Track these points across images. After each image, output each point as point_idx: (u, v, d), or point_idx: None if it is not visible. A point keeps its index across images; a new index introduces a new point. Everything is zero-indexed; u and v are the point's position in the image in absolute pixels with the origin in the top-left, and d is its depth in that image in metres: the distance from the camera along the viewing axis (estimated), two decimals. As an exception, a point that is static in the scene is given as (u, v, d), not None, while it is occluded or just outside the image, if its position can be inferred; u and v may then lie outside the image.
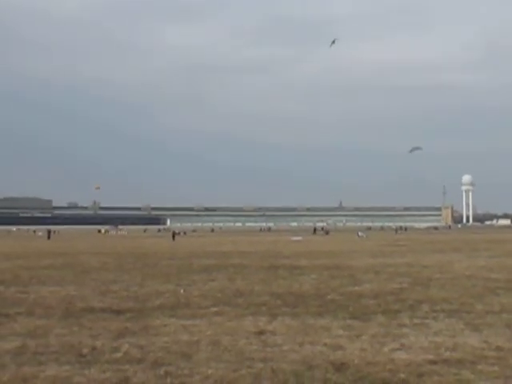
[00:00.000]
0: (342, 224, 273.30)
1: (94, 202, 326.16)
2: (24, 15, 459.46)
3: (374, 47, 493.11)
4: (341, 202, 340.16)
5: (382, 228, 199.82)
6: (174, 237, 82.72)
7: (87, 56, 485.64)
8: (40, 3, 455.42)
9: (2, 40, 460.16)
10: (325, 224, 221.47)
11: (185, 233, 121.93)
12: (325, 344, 11.34)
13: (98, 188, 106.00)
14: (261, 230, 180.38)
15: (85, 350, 10.86)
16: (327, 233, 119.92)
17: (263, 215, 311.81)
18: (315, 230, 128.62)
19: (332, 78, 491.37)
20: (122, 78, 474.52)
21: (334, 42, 46.14)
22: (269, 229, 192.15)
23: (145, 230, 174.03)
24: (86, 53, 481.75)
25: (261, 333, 12.42)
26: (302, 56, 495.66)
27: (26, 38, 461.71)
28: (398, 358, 10.23)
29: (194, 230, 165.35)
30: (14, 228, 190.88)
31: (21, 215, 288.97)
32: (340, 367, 9.68)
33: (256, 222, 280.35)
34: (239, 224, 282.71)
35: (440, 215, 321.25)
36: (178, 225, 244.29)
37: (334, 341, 11.62)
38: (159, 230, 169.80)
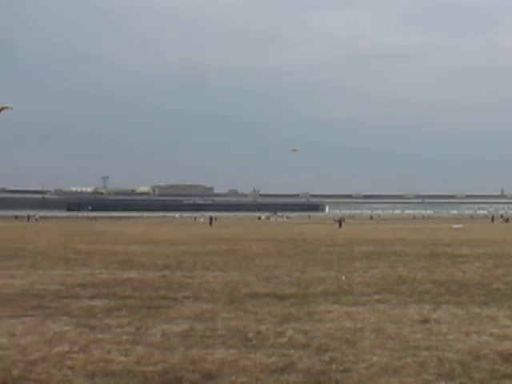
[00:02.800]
0: (503, 212, 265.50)
1: (254, 190, 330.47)
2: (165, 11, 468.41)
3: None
4: (502, 190, 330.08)
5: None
6: (340, 224, 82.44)
7: (237, 49, 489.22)
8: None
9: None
10: (488, 212, 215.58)
11: (344, 220, 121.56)
12: (491, 334, 11.10)
13: (295, 150, 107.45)
14: (414, 217, 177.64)
15: (250, 335, 11.04)
16: (507, 220, 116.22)
17: (422, 202, 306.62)
18: (493, 217, 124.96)
19: (487, 62, 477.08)
20: (272, 70, 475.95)
21: None
22: (422, 216, 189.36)
23: (309, 217, 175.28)
24: (235, 46, 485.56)
25: (425, 321, 12.29)
26: (457, 42, 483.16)
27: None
28: None
29: (351, 217, 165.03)
30: (177, 214, 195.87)
31: (184, 202, 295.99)
32: (508, 358, 9.44)
33: (415, 209, 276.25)
34: (398, 211, 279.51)
35: None
36: (337, 211, 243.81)
37: (501, 331, 11.35)
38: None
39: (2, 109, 33.59)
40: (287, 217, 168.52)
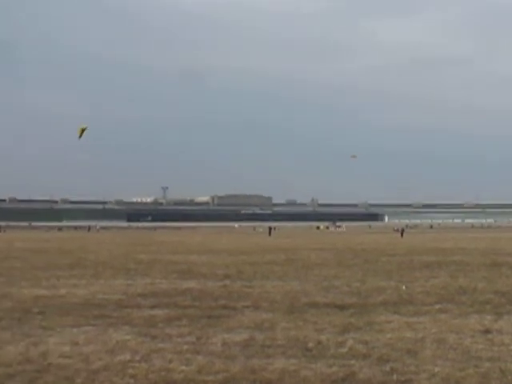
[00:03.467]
0: None
1: (313, 199, 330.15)
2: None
3: None
4: None
5: None
6: (402, 233, 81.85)
7: (292, 56, 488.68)
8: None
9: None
10: None
11: (404, 229, 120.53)
12: (555, 345, 10.95)
13: (355, 157, 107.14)
14: (472, 226, 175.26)
15: (310, 344, 11.04)
16: None
17: (483, 212, 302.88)
18: None
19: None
20: (329, 79, 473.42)
21: None
22: (481, 225, 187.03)
23: (370, 226, 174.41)
24: (291, 52, 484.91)
25: (487, 331, 12.16)
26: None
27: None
28: None
29: (411, 227, 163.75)
30: (236, 224, 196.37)
31: (242, 212, 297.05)
32: None
33: (475, 218, 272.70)
34: (458, 220, 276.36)
35: None
36: (396, 221, 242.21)
37: None
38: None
39: (83, 131, 34.12)
40: (340, 226, 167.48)
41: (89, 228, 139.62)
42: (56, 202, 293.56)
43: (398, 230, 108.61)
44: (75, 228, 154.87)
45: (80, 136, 33.50)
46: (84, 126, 33.97)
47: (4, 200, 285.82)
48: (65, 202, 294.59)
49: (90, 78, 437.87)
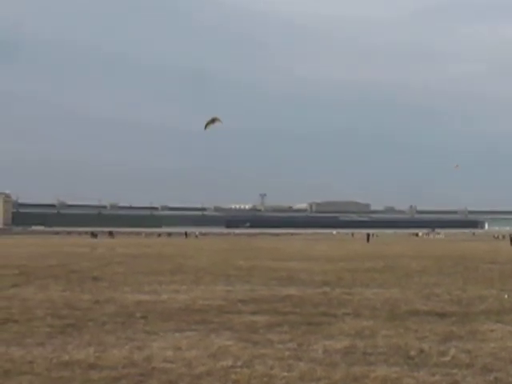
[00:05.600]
0: None
1: (411, 206, 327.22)
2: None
3: None
4: None
5: None
6: None
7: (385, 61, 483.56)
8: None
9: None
10: None
11: (503, 236, 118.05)
12: None
13: (458, 167, 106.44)
14: None
15: (412, 352, 10.97)
16: None
17: None
18: None
19: None
20: (424, 83, 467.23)
21: None
22: None
23: (474, 234, 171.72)
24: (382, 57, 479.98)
25: None
26: None
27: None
28: None
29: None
30: (334, 231, 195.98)
31: (340, 219, 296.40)
32: None
33: None
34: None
35: None
36: (497, 228, 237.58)
37: None
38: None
39: (216, 121, 34.14)
40: (440, 233, 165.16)
41: (186, 234, 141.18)
42: (156, 208, 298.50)
43: (498, 238, 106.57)
44: (169, 234, 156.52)
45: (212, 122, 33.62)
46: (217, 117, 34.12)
47: (105, 206, 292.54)
48: (164, 208, 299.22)
49: (192, 90, 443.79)
